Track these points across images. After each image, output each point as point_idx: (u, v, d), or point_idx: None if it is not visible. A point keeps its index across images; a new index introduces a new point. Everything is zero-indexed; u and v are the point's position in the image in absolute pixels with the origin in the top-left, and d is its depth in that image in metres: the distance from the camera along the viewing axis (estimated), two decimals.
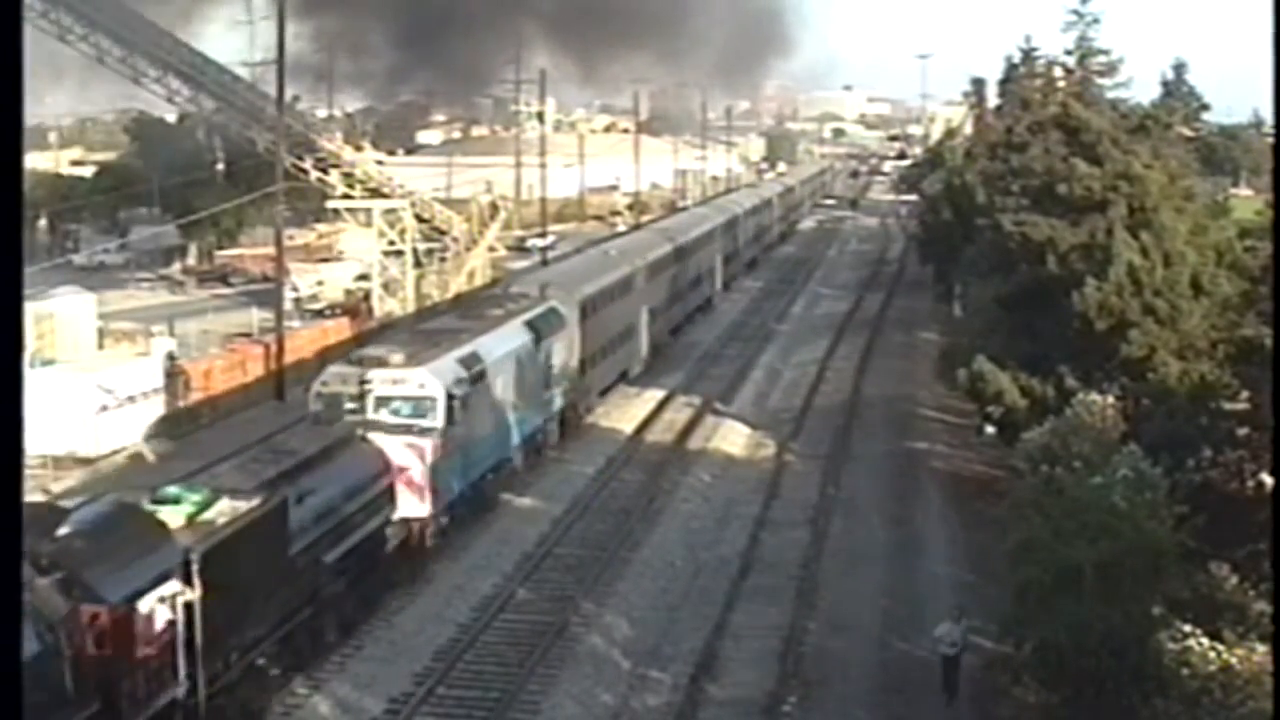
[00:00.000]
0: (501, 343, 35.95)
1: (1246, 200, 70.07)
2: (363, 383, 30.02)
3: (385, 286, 61.69)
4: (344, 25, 69.21)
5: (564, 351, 41.12)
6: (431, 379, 30.58)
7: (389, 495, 27.57)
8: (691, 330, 66.30)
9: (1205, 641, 16.89)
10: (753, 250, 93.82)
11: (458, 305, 50.03)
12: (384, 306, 60.31)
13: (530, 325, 38.75)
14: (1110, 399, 27.22)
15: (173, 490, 21.27)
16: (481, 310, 40.39)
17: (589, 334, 44.15)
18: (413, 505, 28.63)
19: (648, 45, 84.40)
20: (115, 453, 38.38)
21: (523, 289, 43.66)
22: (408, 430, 29.24)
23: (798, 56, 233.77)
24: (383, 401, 30.03)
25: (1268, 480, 22.42)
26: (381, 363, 30.94)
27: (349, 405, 29.80)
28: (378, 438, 28.06)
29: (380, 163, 70.38)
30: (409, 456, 28.60)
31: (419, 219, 65.89)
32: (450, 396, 30.52)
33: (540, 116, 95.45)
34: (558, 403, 40.78)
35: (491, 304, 41.68)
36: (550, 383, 39.71)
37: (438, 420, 30.10)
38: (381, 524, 27.20)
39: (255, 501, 21.83)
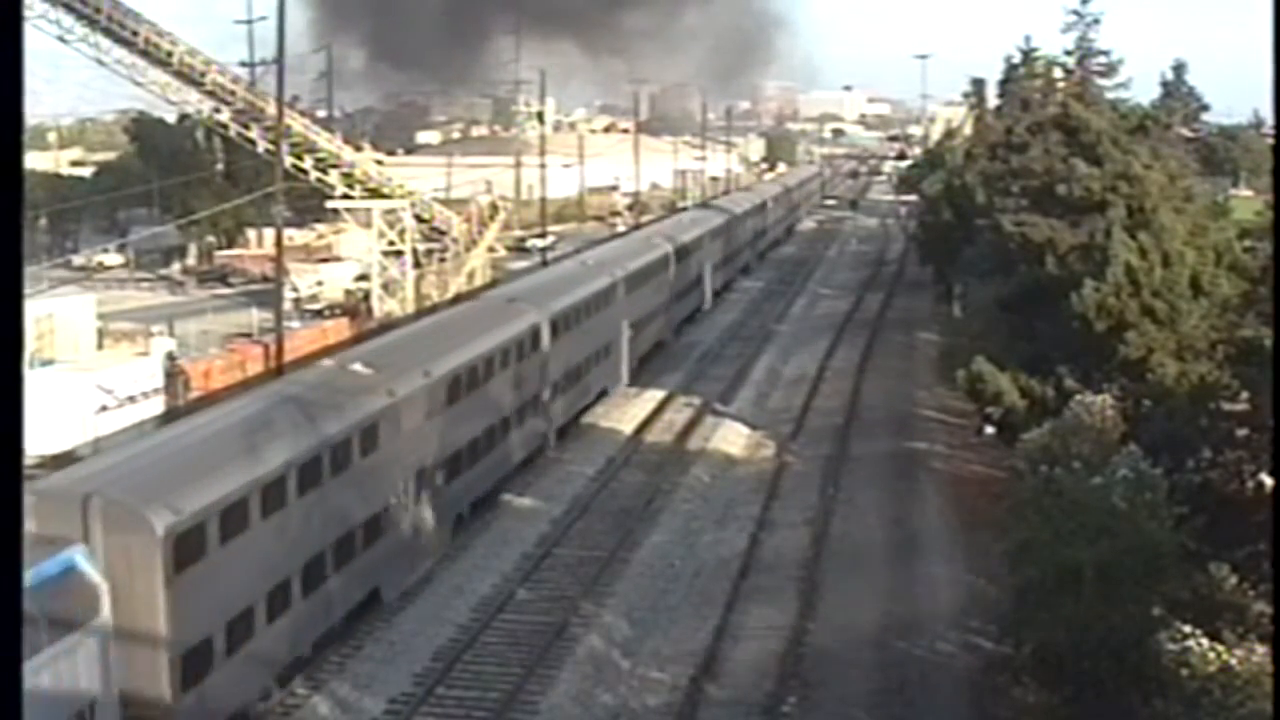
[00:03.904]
0: None
1: (1246, 201, 70.11)
2: None
3: (385, 287, 61.72)
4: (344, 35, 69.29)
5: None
6: None
7: None
8: (688, 333, 66.26)
9: (1205, 642, 16.88)
10: (690, 303, 67.64)
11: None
12: (384, 307, 60.35)
13: None
14: (1109, 400, 27.21)
15: None
16: None
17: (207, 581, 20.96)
18: None
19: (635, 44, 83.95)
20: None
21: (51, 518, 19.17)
22: None
23: (787, 59, 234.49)
24: None
25: (1267, 481, 22.45)
26: None
27: None
28: None
29: (380, 163, 70.37)
30: None
31: (418, 219, 65.95)
32: None
33: (540, 116, 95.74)
34: None
35: None
36: None
37: None
38: None
39: None
